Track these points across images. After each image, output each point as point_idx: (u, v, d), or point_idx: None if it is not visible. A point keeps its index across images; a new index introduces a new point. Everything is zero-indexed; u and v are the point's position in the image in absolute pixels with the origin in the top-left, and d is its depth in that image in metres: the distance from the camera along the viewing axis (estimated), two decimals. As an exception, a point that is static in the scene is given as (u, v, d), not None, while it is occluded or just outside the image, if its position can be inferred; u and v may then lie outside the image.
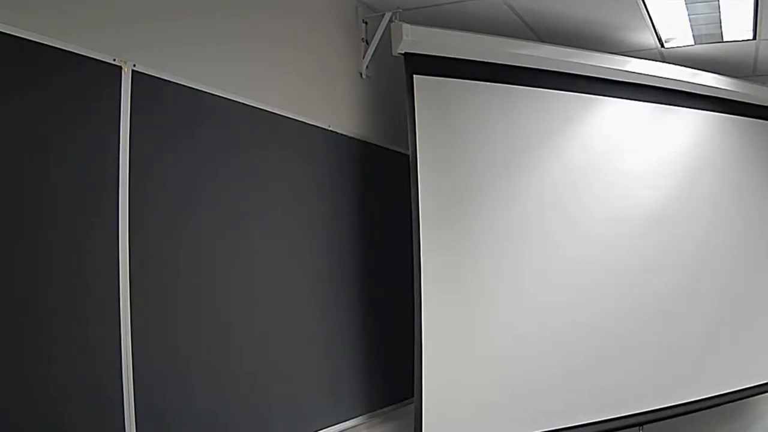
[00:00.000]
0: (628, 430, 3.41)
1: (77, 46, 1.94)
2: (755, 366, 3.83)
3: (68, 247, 1.89)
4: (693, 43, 3.86)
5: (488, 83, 3.28)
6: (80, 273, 1.91)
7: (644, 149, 3.67)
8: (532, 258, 3.27)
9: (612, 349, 3.41)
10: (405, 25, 3.10)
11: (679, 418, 3.56)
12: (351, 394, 3.02)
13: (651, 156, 3.68)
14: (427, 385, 2.92)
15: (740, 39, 3.77)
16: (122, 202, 2.03)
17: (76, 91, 1.94)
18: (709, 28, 3.64)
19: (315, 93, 3.02)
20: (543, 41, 3.75)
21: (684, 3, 3.32)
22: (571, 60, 3.47)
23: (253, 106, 2.59)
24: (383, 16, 3.32)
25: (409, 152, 3.06)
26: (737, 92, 4.00)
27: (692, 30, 3.67)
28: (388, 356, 3.28)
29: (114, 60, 2.05)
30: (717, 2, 3.29)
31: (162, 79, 2.21)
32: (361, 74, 3.37)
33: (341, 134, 3.09)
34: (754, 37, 3.74)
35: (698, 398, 3.59)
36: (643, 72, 3.67)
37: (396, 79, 3.32)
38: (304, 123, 2.85)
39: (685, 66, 3.84)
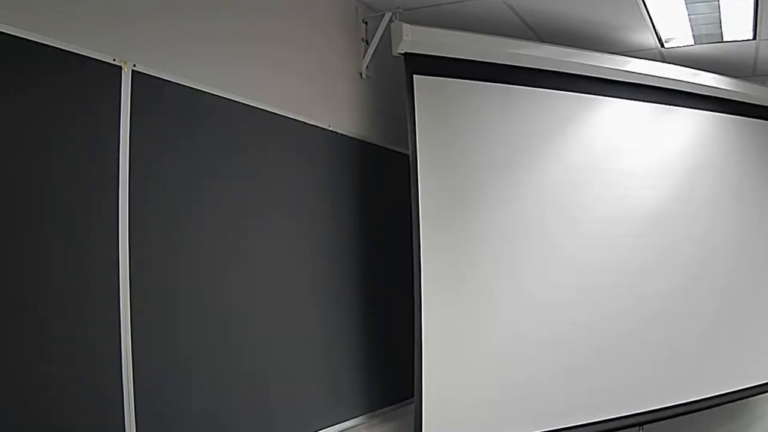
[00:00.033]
0: (628, 430, 3.41)
1: (77, 46, 1.94)
2: (755, 366, 3.83)
3: (68, 247, 1.89)
4: (693, 43, 3.86)
5: (488, 83, 3.28)
6: (80, 273, 1.91)
7: (644, 149, 3.67)
8: (532, 258, 3.27)
9: (612, 349, 3.41)
10: (405, 25, 3.10)
11: (679, 418, 3.56)
12: (351, 394, 3.02)
13: (651, 156, 3.68)
14: (427, 385, 2.92)
15: (740, 39, 3.77)
16: (122, 202, 2.03)
17: (76, 91, 1.94)
18: (709, 28, 3.64)
19: (315, 93, 3.02)
20: (543, 41, 3.75)
21: (684, 3, 3.32)
22: (571, 60, 3.47)
23: (253, 106, 2.59)
24: (383, 16, 3.32)
25: (409, 152, 3.06)
26: (737, 92, 4.00)
27: (692, 30, 3.67)
28: (388, 356, 3.28)
29: (114, 60, 2.05)
30: (717, 2, 3.29)
31: (162, 79, 2.21)
32: (361, 74, 3.37)
33: (341, 134, 3.09)
34: (754, 37, 3.74)
35: (698, 398, 3.59)
36: (643, 72, 3.67)
37: (396, 79, 3.32)
38: (304, 123, 2.85)
39: (685, 66, 3.84)
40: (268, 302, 2.59)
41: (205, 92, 2.38)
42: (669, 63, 3.83)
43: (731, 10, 3.39)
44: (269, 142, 2.67)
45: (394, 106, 3.48)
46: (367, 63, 3.37)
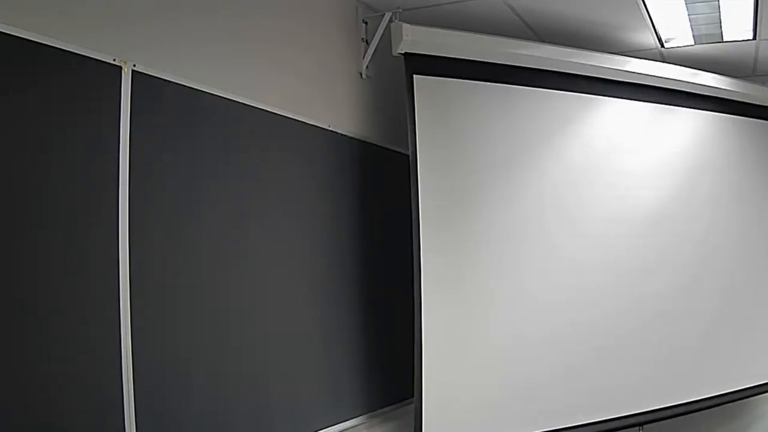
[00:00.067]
0: (628, 430, 3.41)
1: (77, 46, 1.94)
2: (755, 366, 3.83)
3: (68, 247, 1.89)
4: (693, 43, 3.86)
5: (488, 83, 3.28)
6: (80, 273, 1.91)
7: (644, 149, 3.67)
8: (532, 258, 3.27)
9: (612, 349, 3.41)
10: (405, 25, 3.10)
11: (679, 418, 3.56)
12: (351, 394, 3.02)
13: (651, 156, 3.68)
14: (427, 385, 2.92)
15: (740, 39, 3.77)
16: (122, 202, 2.03)
17: (76, 91, 1.94)
18: (709, 28, 3.64)
19: (315, 93, 3.02)
20: (543, 41, 3.75)
21: (684, 3, 3.32)
22: (571, 60, 3.47)
23: (253, 106, 2.59)
24: (383, 16, 3.32)
25: (409, 152, 3.06)
26: (737, 92, 4.00)
27: (692, 30, 3.67)
28: (388, 356, 3.28)
29: (114, 60, 2.05)
30: (717, 2, 3.29)
31: (162, 79, 2.21)
32: (361, 74, 3.37)
33: (341, 134, 3.09)
34: (754, 37, 3.74)
35: (698, 398, 3.59)
36: (643, 72, 3.67)
37: (396, 79, 3.32)
38: (304, 123, 2.85)
39: (685, 66, 3.84)
40: (268, 302, 2.59)
41: (205, 92, 2.38)
42: (669, 63, 3.83)
43: (731, 10, 3.39)
44: (269, 142, 2.67)
45: (394, 106, 3.48)
46: (367, 63, 3.37)
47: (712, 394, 3.64)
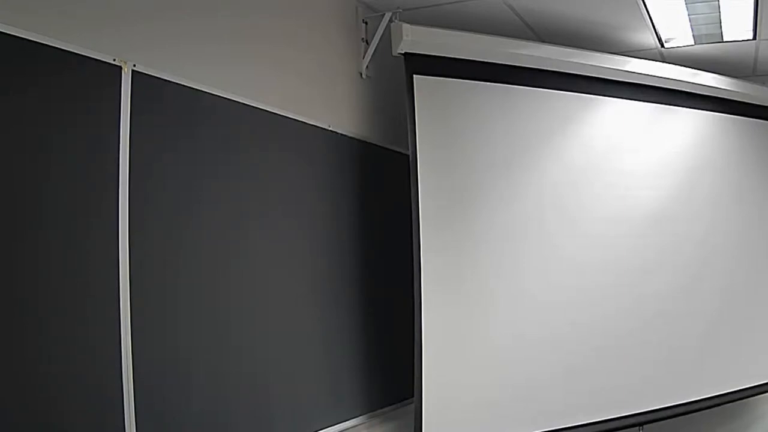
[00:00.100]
0: (628, 430, 3.41)
1: (77, 46, 1.94)
2: (755, 366, 3.83)
3: (68, 247, 1.89)
4: (693, 43, 3.86)
5: (488, 83, 3.28)
6: (80, 273, 1.91)
7: (644, 149, 3.67)
8: (532, 258, 3.27)
9: (612, 349, 3.41)
10: (405, 25, 3.10)
11: (679, 418, 3.56)
12: (351, 394, 3.02)
13: (651, 156, 3.68)
14: (427, 385, 2.92)
15: (740, 39, 3.77)
16: (122, 202, 2.03)
17: (76, 91, 1.94)
18: (709, 28, 3.64)
19: (315, 93, 3.02)
20: (543, 41, 3.75)
21: (684, 3, 3.32)
22: (571, 60, 3.47)
23: (253, 106, 2.59)
24: (383, 16, 3.32)
25: (409, 152, 3.06)
26: (737, 92, 4.00)
27: (692, 30, 3.67)
28: (388, 356, 3.28)
29: (114, 60, 2.05)
30: (717, 2, 3.29)
31: (162, 79, 2.21)
32: (361, 74, 3.37)
33: (341, 134, 3.09)
34: (754, 37, 3.74)
35: (698, 398, 3.59)
36: (643, 72, 3.67)
37: (396, 79, 3.32)
38: (304, 123, 2.85)
39: (685, 66, 3.84)
40: (268, 302, 2.59)
41: (205, 92, 2.38)
42: (669, 63, 3.83)
43: (731, 10, 3.39)
44: (269, 142, 2.67)
45: (394, 106, 3.48)
46: (367, 63, 3.37)
47: (712, 394, 3.64)
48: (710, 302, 3.73)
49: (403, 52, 3.14)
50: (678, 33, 3.73)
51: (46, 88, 1.86)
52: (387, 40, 3.22)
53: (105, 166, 2.01)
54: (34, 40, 1.82)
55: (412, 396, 2.98)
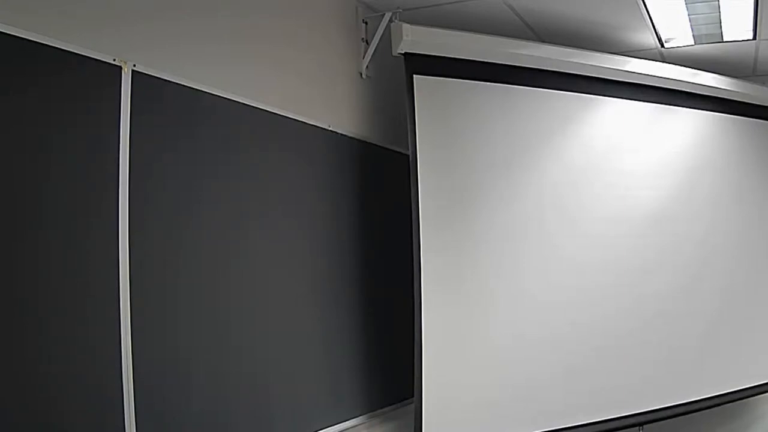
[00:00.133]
0: (628, 430, 3.41)
1: (77, 46, 1.94)
2: (755, 366, 3.83)
3: (68, 247, 1.89)
4: (693, 43, 3.86)
5: (488, 83, 3.28)
6: (80, 273, 1.91)
7: (644, 149, 3.67)
8: (532, 258, 3.27)
9: (612, 349, 3.41)
10: (405, 25, 3.10)
11: (679, 418, 3.56)
12: (351, 394, 3.02)
13: (651, 156, 3.68)
14: (427, 385, 2.92)
15: (740, 39, 3.77)
16: (122, 202, 2.03)
17: (76, 91, 1.94)
18: (709, 28, 3.64)
19: (315, 93, 3.02)
20: (543, 41, 3.75)
21: (684, 3, 3.32)
22: (571, 60, 3.47)
23: (253, 106, 2.59)
24: (383, 16, 3.32)
25: (409, 152, 3.06)
26: (737, 92, 4.00)
27: (692, 30, 3.67)
28: (388, 356, 3.28)
29: (114, 60, 2.05)
30: (717, 2, 3.29)
31: (162, 79, 2.21)
32: (361, 74, 3.37)
33: (341, 134, 3.09)
34: (754, 37, 3.74)
35: (698, 398, 3.59)
36: (643, 72, 3.67)
37: (396, 79, 3.32)
38: (304, 123, 2.85)
39: (685, 66, 3.84)
40: (268, 302, 2.59)
41: (205, 92, 2.38)
42: (669, 63, 3.83)
43: (731, 10, 3.39)
44: (269, 142, 2.67)
45: (394, 106, 3.48)
46: (367, 63, 3.37)
47: (712, 394, 3.64)
48: (710, 302, 3.73)
49: (403, 52, 3.14)
50: (678, 33, 3.73)
51: (46, 88, 1.86)
52: (387, 40, 3.22)
53: (105, 166, 2.01)
54: (34, 40, 1.82)
55: (412, 396, 2.98)
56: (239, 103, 2.52)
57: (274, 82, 2.77)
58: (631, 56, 3.72)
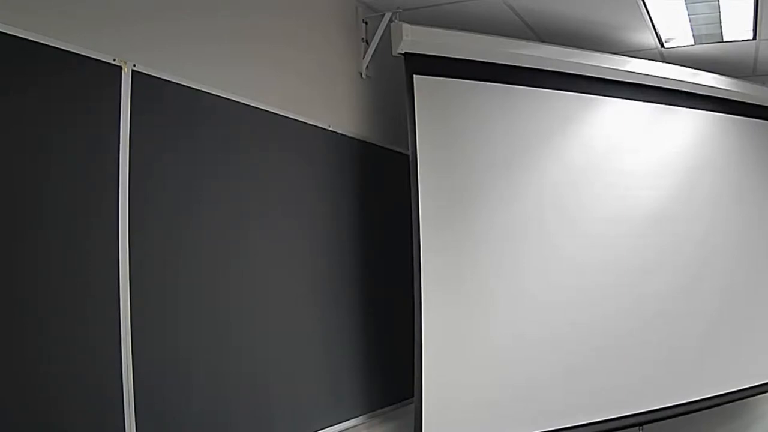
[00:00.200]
0: (628, 430, 3.41)
1: (77, 46, 1.94)
2: (755, 366, 3.83)
3: (68, 247, 1.89)
4: (693, 43, 3.86)
5: (488, 83, 3.28)
6: (80, 273, 1.91)
7: (644, 149, 3.67)
8: (532, 258, 3.27)
9: (612, 349, 3.41)
10: (405, 25, 3.10)
11: (679, 418, 3.56)
12: (351, 394, 3.02)
13: (651, 156, 3.68)
14: (427, 385, 2.92)
15: (740, 39, 3.77)
16: (122, 202, 2.03)
17: (76, 91, 1.94)
18: (709, 28, 3.64)
19: (315, 93, 3.02)
20: (543, 41, 3.75)
21: (684, 3, 3.32)
22: (571, 60, 3.47)
23: (253, 106, 2.59)
24: (383, 16, 3.32)
25: (409, 152, 3.06)
26: (737, 92, 4.00)
27: (692, 30, 3.67)
28: (388, 356, 3.28)
29: (114, 60, 2.05)
30: (717, 2, 3.29)
31: (162, 79, 2.21)
32: (361, 74, 3.37)
33: (341, 134, 3.09)
34: (754, 37, 3.74)
35: (698, 398, 3.59)
36: (643, 72, 3.67)
37: (396, 79, 3.32)
38: (304, 123, 2.85)
39: (685, 66, 3.84)
40: (268, 302, 2.59)
41: (205, 92, 2.38)
42: (669, 63, 3.83)
43: (731, 10, 3.39)
44: (269, 142, 2.67)
45: (394, 106, 3.48)
46: (367, 63, 3.37)
47: (712, 394, 3.64)
48: (710, 302, 3.73)
49: (403, 52, 3.14)
50: (678, 33, 3.73)
51: (46, 88, 1.86)
52: (387, 40, 3.22)
53: (105, 166, 2.01)
54: (34, 40, 1.82)
55: (412, 396, 2.98)
56: (239, 103, 2.52)
57: (274, 82, 2.77)
58: (631, 56, 3.72)
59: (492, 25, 3.55)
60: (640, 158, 3.64)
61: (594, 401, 3.32)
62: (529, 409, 3.17)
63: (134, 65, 2.11)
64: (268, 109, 2.66)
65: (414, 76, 3.12)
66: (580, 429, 3.26)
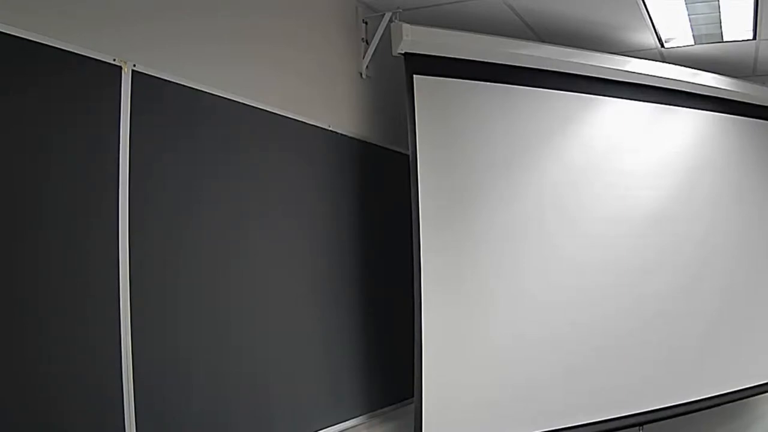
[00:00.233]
0: (628, 430, 3.41)
1: (77, 46, 1.94)
2: (755, 366, 3.83)
3: (68, 247, 1.89)
4: (693, 43, 3.86)
5: (488, 83, 3.28)
6: (80, 273, 1.91)
7: (644, 149, 3.67)
8: (532, 258, 3.27)
9: (612, 349, 3.41)
10: (405, 25, 3.10)
11: (679, 418, 3.56)
12: (351, 394, 3.02)
13: (651, 156, 3.68)
14: (427, 385, 2.92)
15: (740, 39, 3.77)
16: (122, 202, 2.03)
17: (76, 91, 1.94)
18: (709, 28, 3.64)
19: (315, 93, 3.02)
20: (543, 41, 3.75)
21: (684, 3, 3.32)
22: (571, 60, 3.47)
23: (253, 106, 2.59)
24: (383, 16, 3.32)
25: (409, 152, 3.06)
26: (737, 92, 4.00)
27: (692, 30, 3.67)
28: (388, 356, 3.28)
29: (114, 60, 2.05)
30: (717, 2, 3.29)
31: (162, 79, 2.21)
32: (361, 74, 3.37)
33: (341, 134, 3.09)
34: (754, 37, 3.74)
35: (698, 398, 3.59)
36: (643, 72, 3.67)
37: (396, 79, 3.32)
38: (304, 123, 2.85)
39: (685, 66, 3.84)
40: (268, 302, 2.59)
41: (205, 92, 2.38)
42: (669, 63, 3.83)
43: (731, 10, 3.39)
44: (269, 142, 2.67)
45: (394, 106, 3.48)
46: (367, 63, 3.37)
47: (712, 394, 3.64)
48: (710, 302, 3.73)
49: (403, 52, 3.14)
50: (678, 33, 3.73)
51: (46, 88, 1.86)
52: (387, 40, 3.22)
53: (105, 166, 2.01)
54: (34, 40, 1.82)
55: (412, 396, 2.98)
56: (239, 103, 2.52)
57: (274, 82, 2.77)
58: (631, 56, 3.72)
59: (492, 25, 3.55)
60: (640, 158, 3.64)
61: (594, 401, 3.32)
62: (529, 409, 3.17)
63: (134, 65, 2.11)
64: (268, 109, 2.66)
65: (414, 76, 3.12)
66: (580, 429, 3.26)
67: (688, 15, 3.47)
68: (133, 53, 2.12)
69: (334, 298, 2.96)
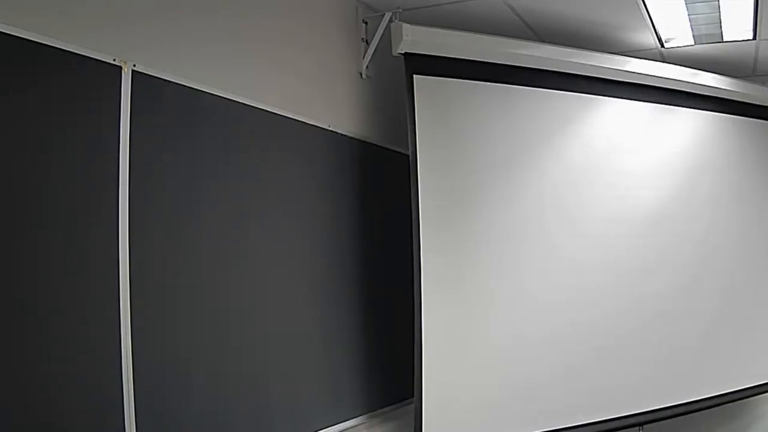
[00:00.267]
0: (628, 430, 3.41)
1: (77, 46, 1.94)
2: (755, 366, 3.83)
3: (68, 247, 1.89)
4: (693, 43, 3.86)
5: (488, 83, 3.28)
6: (80, 273, 1.91)
7: (644, 149, 3.67)
8: (532, 258, 3.27)
9: (612, 349, 3.41)
10: (405, 25, 3.10)
11: (679, 418, 3.56)
12: (351, 394, 3.02)
13: (651, 156, 3.68)
14: (427, 385, 2.92)
15: (740, 39, 3.77)
16: (122, 202, 2.03)
17: (76, 91, 1.94)
18: (709, 28, 3.64)
19: (315, 93, 3.02)
20: (543, 41, 3.76)
21: (684, 3, 3.32)
22: (571, 60, 3.47)
23: (253, 106, 2.59)
24: (383, 16, 3.32)
25: (409, 152, 3.06)
26: (737, 92, 4.00)
27: (692, 30, 3.67)
28: (388, 356, 3.28)
29: (114, 60, 2.05)
30: (717, 2, 3.29)
31: (162, 79, 2.21)
32: (361, 74, 3.37)
33: (341, 134, 3.09)
34: (754, 37, 3.74)
35: (698, 398, 3.59)
36: (643, 72, 3.67)
37: (396, 79, 3.32)
38: (304, 123, 2.85)
39: (685, 66, 3.84)
40: (268, 302, 2.59)
41: (205, 92, 2.38)
42: (669, 63, 3.83)
43: (731, 10, 3.39)
44: (269, 142, 2.67)
45: (394, 106, 3.48)
46: (367, 63, 3.37)
47: (712, 394, 3.64)
48: (710, 302, 3.73)
49: (403, 52, 3.14)
50: (678, 33, 3.73)
51: (46, 88, 1.86)
52: (387, 40, 3.22)
53: (105, 166, 2.01)
54: (34, 40, 1.82)
55: (412, 396, 2.98)
56: (239, 103, 2.52)
57: (274, 82, 2.77)
58: (631, 56, 3.72)
59: (492, 25, 3.55)
60: (640, 158, 3.64)
61: (594, 401, 3.32)
62: (529, 409, 3.17)
63: (134, 65, 2.11)
64: (268, 109, 2.66)
65: (414, 76, 3.12)
66: (580, 429, 3.26)
67: (688, 15, 3.47)
68: (133, 53, 2.12)
69: (334, 298, 2.96)
